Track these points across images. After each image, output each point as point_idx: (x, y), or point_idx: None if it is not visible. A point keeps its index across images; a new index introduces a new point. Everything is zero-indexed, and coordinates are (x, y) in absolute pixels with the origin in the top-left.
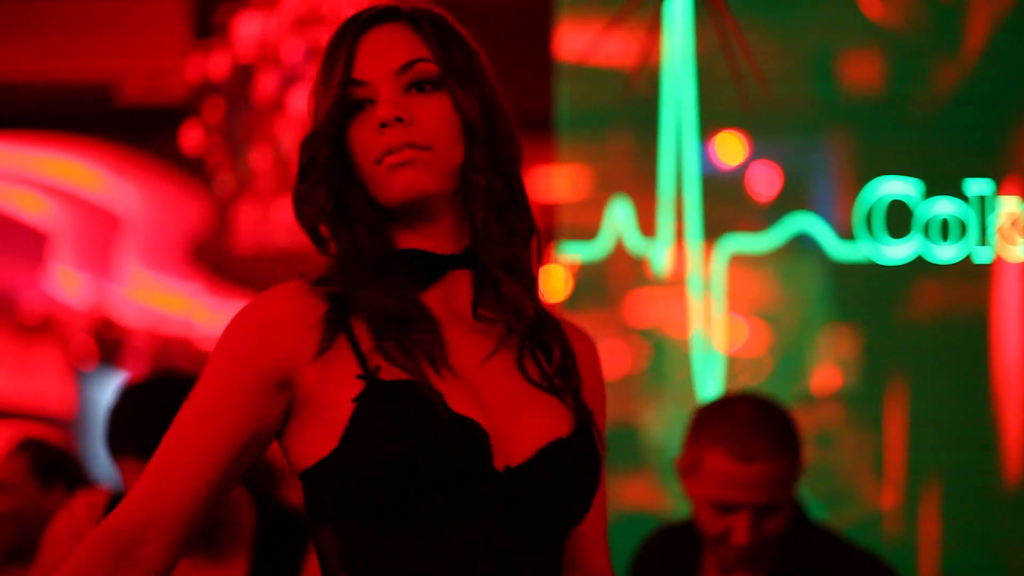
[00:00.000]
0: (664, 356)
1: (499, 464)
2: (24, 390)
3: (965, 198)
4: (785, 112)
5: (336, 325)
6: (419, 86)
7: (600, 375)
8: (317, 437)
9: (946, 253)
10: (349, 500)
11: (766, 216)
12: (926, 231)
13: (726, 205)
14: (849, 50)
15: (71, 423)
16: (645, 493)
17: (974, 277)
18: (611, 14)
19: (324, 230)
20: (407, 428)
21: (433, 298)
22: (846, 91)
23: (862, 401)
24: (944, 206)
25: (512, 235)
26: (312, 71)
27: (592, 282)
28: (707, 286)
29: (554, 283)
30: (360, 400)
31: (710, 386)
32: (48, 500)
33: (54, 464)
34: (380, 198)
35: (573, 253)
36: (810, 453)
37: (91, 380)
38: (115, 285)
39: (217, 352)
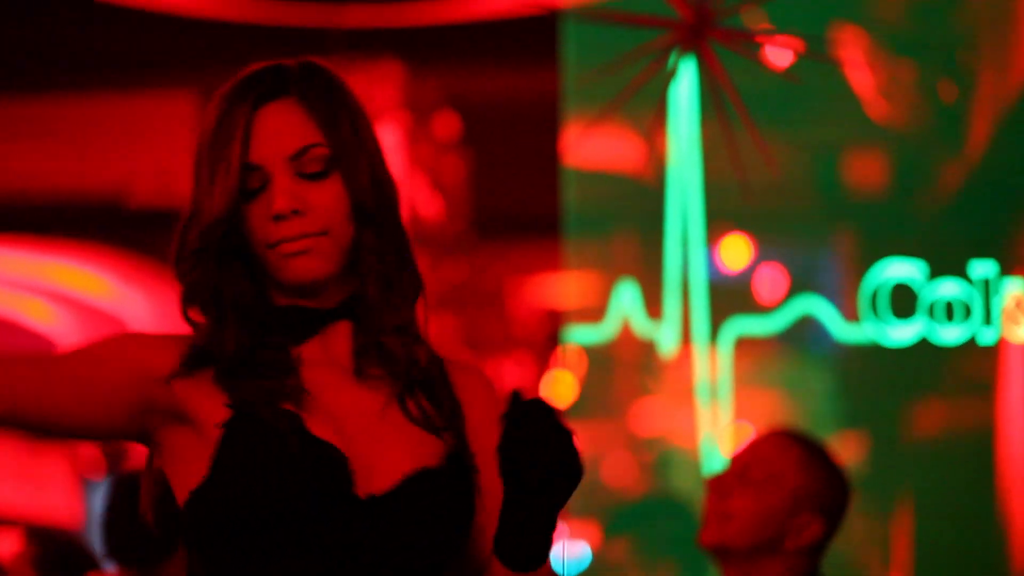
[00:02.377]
0: (671, 466)
1: (362, 492)
2: (31, 501)
3: (969, 280)
4: (790, 209)
5: (201, 360)
6: (310, 176)
7: (494, 410)
8: (189, 469)
9: (951, 334)
10: (217, 528)
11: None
12: (931, 312)
13: (732, 308)
14: (853, 148)
15: (79, 533)
16: None
17: (979, 358)
18: (619, 117)
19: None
20: (265, 452)
21: (311, 349)
22: (851, 188)
23: (872, 498)
24: (949, 288)
25: (403, 299)
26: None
27: (599, 378)
28: (714, 390)
29: (561, 389)
30: (226, 428)
31: None
32: None
33: (67, 562)
34: (272, 275)
35: (579, 338)
36: None
37: (99, 490)
38: None
39: (98, 343)
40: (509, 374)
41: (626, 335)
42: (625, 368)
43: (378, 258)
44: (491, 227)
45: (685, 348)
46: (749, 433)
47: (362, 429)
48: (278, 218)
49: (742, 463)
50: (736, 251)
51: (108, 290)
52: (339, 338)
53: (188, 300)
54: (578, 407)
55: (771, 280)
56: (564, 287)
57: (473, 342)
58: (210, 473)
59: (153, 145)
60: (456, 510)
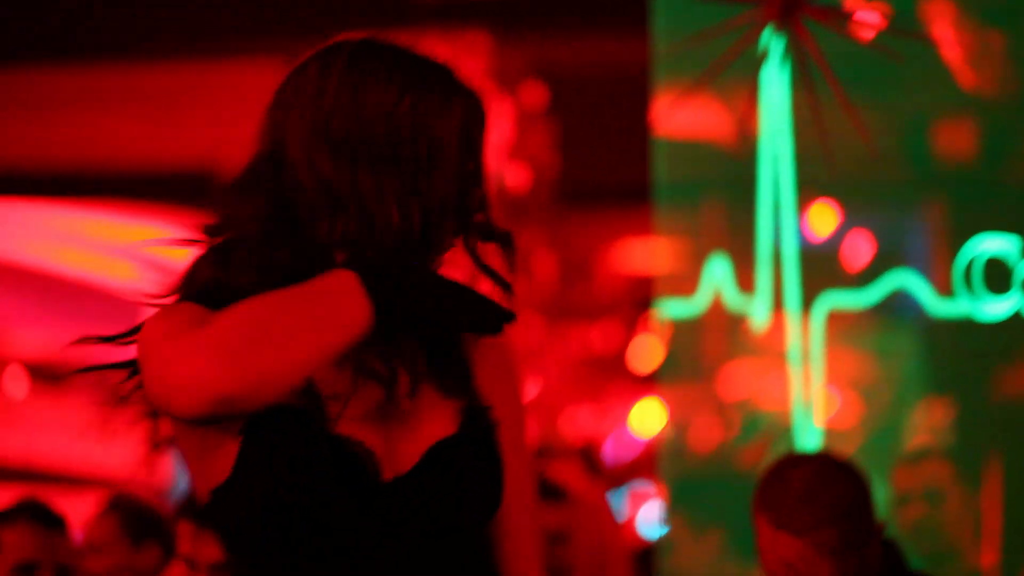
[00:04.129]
0: (759, 427)
1: (388, 474)
2: (115, 458)
3: None
4: (880, 180)
5: None
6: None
7: (511, 375)
8: (211, 467)
9: None
10: (244, 527)
11: (860, 283)
12: None
13: (820, 275)
14: (943, 118)
15: (163, 493)
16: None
17: None
18: (710, 86)
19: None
20: (289, 454)
21: None
22: (940, 159)
23: (961, 458)
24: None
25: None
26: None
27: (688, 345)
28: (806, 356)
29: (651, 351)
30: (246, 431)
31: None
32: (141, 560)
33: (145, 522)
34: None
35: (671, 312)
36: (915, 510)
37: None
38: None
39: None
40: (597, 340)
41: (717, 308)
42: (715, 337)
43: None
44: (580, 196)
45: (777, 320)
46: (835, 403)
47: (385, 405)
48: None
49: (820, 544)
50: (824, 217)
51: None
52: None
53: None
54: (666, 370)
55: (859, 247)
56: (653, 255)
57: (562, 309)
58: (233, 473)
59: (241, 114)
60: (478, 475)
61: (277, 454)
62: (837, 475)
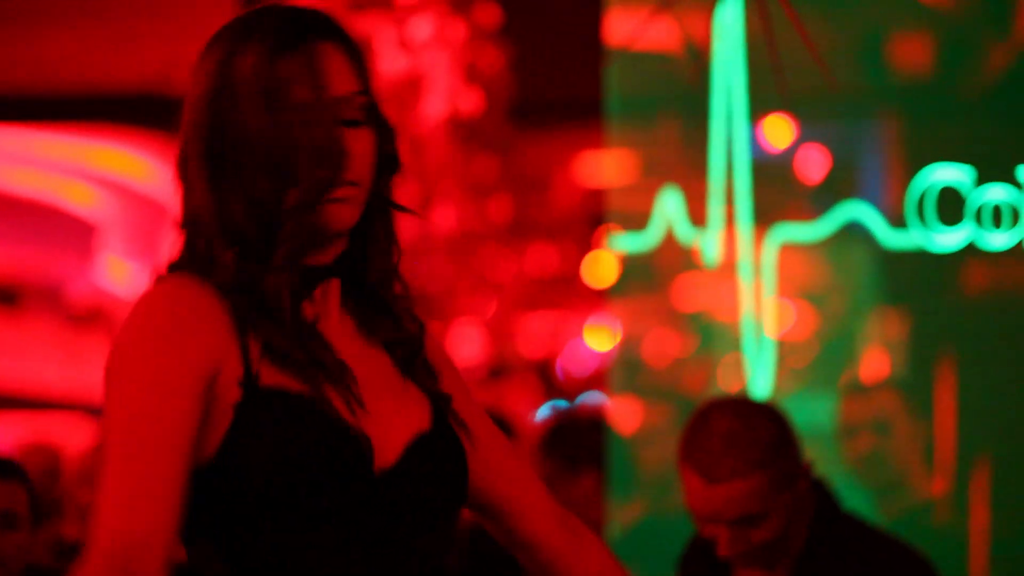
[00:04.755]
0: (713, 341)
1: (376, 468)
2: (73, 380)
3: (1018, 184)
4: (834, 95)
5: (244, 324)
6: (349, 120)
7: (448, 358)
8: (200, 441)
9: (998, 240)
10: (229, 511)
11: (815, 200)
12: (978, 218)
13: (775, 189)
14: (899, 33)
15: None
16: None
17: None
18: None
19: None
20: (288, 439)
21: (308, 306)
22: (896, 74)
23: (911, 387)
24: (996, 192)
25: (399, 253)
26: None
27: (641, 270)
28: (757, 271)
29: (604, 269)
30: (239, 408)
31: (760, 370)
32: None
33: None
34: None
35: (623, 243)
36: (863, 442)
37: None
38: None
39: (142, 351)
40: (551, 257)
41: (669, 240)
42: (668, 273)
43: (385, 212)
44: (534, 115)
45: (729, 254)
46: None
47: (367, 394)
48: None
49: (733, 519)
50: (778, 130)
51: (149, 173)
52: (331, 293)
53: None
54: (619, 285)
55: (814, 160)
56: (606, 170)
57: (517, 228)
58: (220, 450)
59: (192, 34)
60: (452, 468)
61: (276, 433)
62: (757, 418)
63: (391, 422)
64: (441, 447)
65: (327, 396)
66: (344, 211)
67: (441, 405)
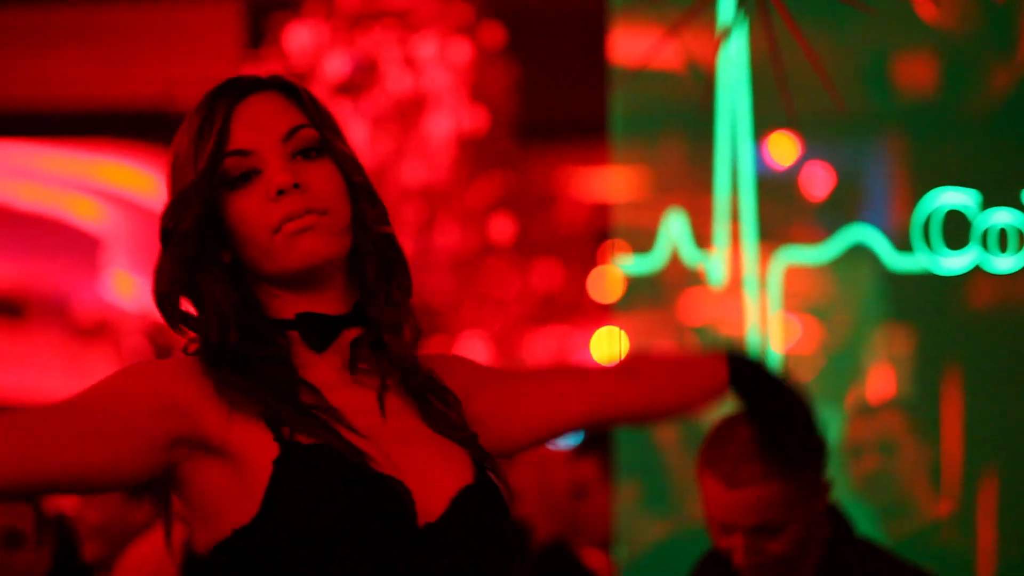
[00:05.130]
0: None
1: (420, 521)
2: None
3: (1023, 207)
4: (839, 115)
5: (236, 391)
6: (304, 153)
7: (461, 360)
8: (230, 505)
9: (1004, 263)
10: (274, 567)
11: (820, 217)
12: (984, 241)
13: (780, 206)
14: (903, 53)
15: None
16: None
17: None
18: (666, 18)
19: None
20: (331, 491)
21: (330, 360)
22: (900, 95)
23: (917, 407)
24: (1002, 216)
25: (401, 290)
26: (361, 80)
27: (647, 288)
28: (763, 288)
29: (609, 285)
30: (278, 464)
31: None
32: (136, 515)
33: None
34: (275, 267)
35: (629, 265)
36: (869, 462)
37: None
38: None
39: (114, 376)
40: (557, 272)
41: (674, 262)
42: (674, 280)
43: (374, 242)
44: (538, 132)
45: (735, 274)
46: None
47: (405, 454)
48: (281, 193)
49: (751, 527)
50: (783, 147)
51: (154, 187)
52: (344, 346)
53: (166, 287)
54: (625, 302)
55: (819, 177)
56: (611, 187)
57: (522, 244)
58: (262, 510)
59: (195, 51)
60: (498, 521)
61: (316, 489)
62: (772, 472)
63: (434, 474)
64: (485, 500)
65: (361, 449)
66: (313, 240)
67: (478, 457)
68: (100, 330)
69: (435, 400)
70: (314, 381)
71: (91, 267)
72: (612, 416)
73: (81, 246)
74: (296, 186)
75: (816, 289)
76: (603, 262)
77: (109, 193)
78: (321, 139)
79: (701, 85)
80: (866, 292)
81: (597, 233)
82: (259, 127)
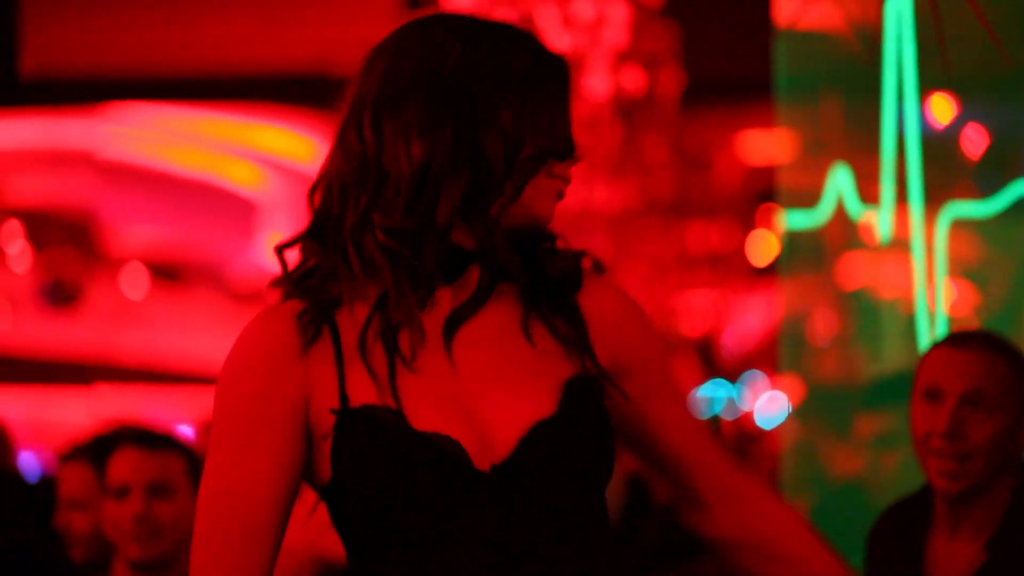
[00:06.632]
0: (878, 319)
1: (484, 464)
2: None
3: None
4: (1000, 72)
5: (328, 351)
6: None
7: (632, 326)
8: (317, 467)
9: None
10: (351, 530)
11: (979, 178)
12: None
13: (940, 166)
14: None
15: None
16: (857, 461)
17: None
18: None
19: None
20: (373, 458)
21: (446, 290)
22: None
23: None
24: None
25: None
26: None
27: (809, 247)
28: (929, 250)
29: (766, 248)
30: (334, 435)
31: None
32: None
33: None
34: (519, 211)
35: (793, 220)
36: None
37: None
38: None
39: (227, 396)
40: (716, 234)
41: (838, 217)
42: (838, 250)
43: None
44: (700, 93)
45: (900, 232)
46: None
47: (480, 386)
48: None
49: (964, 391)
50: (941, 108)
51: (312, 152)
52: (475, 281)
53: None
54: (786, 263)
55: (976, 137)
56: (774, 149)
57: (680, 206)
58: (332, 474)
59: (354, 14)
60: (584, 450)
61: (363, 459)
62: (1003, 352)
63: (506, 410)
64: (567, 432)
65: (412, 404)
66: (552, 208)
67: (575, 384)
68: (256, 295)
69: (549, 316)
70: (441, 315)
71: (248, 232)
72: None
73: (238, 211)
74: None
75: (979, 247)
76: (762, 225)
77: (266, 158)
78: None
79: (865, 44)
80: None
81: (756, 195)
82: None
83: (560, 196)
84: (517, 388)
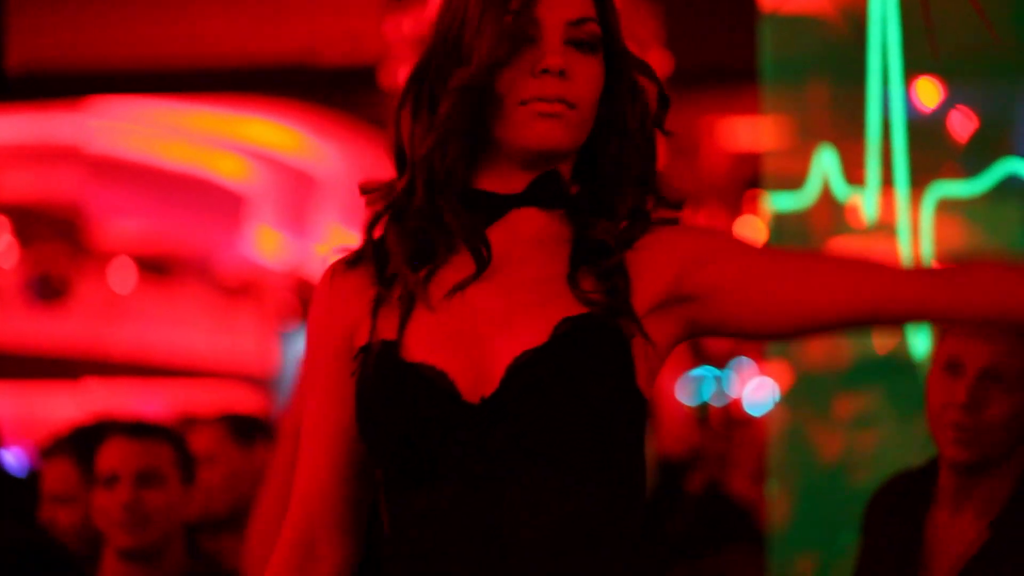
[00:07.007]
0: None
1: (474, 396)
2: (225, 350)
3: None
4: (986, 54)
5: (370, 293)
6: (579, 44)
7: (682, 237)
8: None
9: None
10: (375, 463)
11: (967, 160)
12: None
13: (926, 149)
14: None
15: (272, 382)
16: (871, 440)
17: None
18: None
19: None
20: (371, 391)
21: (496, 234)
22: None
23: None
24: None
25: (636, 182)
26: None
27: (796, 230)
28: (915, 232)
29: (753, 233)
30: (355, 374)
31: (918, 334)
32: (253, 460)
33: (249, 424)
34: (507, 136)
35: (779, 202)
36: None
37: (292, 340)
38: (314, 245)
39: (307, 335)
40: (702, 220)
41: (825, 199)
42: (824, 233)
43: (618, 143)
44: (685, 78)
45: (886, 213)
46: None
47: (491, 321)
48: (544, 72)
49: (986, 365)
50: (928, 92)
51: (300, 144)
52: (524, 221)
53: (454, 156)
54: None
55: (963, 121)
56: (759, 134)
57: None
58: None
59: (339, 6)
60: (573, 384)
61: (362, 392)
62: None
63: (505, 348)
64: (556, 362)
65: (414, 339)
66: (553, 128)
67: (579, 321)
68: (245, 288)
69: (588, 270)
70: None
71: (236, 225)
72: (894, 316)
73: (226, 204)
74: (562, 72)
75: (966, 227)
76: (749, 211)
77: (253, 150)
78: (601, 38)
79: (852, 28)
80: (1018, 228)
81: (743, 181)
82: (553, 3)
83: (545, 116)
84: (522, 328)
